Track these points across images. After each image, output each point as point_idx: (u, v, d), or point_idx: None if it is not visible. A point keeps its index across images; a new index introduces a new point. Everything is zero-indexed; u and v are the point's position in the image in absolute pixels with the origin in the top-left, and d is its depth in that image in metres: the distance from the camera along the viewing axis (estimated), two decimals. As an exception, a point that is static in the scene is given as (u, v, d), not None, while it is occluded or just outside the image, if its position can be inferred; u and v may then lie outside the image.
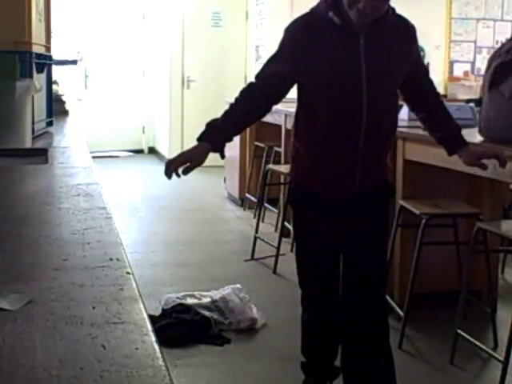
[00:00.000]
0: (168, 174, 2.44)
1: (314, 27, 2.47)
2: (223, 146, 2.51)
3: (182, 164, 2.45)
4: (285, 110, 5.25)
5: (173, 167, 2.44)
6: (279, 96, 2.57)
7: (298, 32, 2.49)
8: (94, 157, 2.61)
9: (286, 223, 5.15)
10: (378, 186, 2.63)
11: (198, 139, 2.51)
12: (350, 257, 2.67)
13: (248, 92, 2.57)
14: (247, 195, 6.48)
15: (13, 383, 0.78)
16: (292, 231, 5.22)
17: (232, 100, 2.59)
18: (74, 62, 5.77)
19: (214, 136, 2.49)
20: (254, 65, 9.05)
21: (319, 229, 2.64)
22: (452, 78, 8.61)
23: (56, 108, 3.58)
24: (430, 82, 2.75)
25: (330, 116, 2.48)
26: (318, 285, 2.74)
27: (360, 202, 2.57)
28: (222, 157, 2.55)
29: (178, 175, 2.46)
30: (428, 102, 2.73)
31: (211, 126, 2.51)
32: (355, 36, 2.42)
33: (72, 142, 3.00)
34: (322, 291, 2.74)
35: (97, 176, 2.09)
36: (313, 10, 2.51)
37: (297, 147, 2.64)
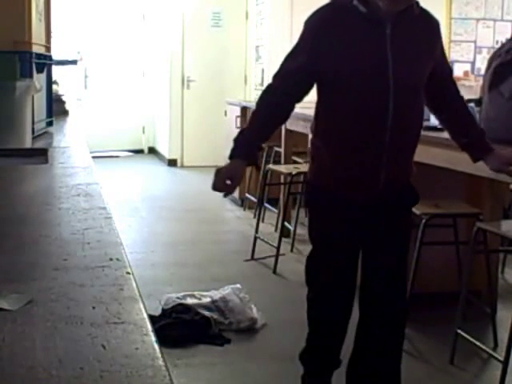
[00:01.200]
0: (225, 193, 2.43)
1: (336, 17, 2.36)
2: (256, 157, 2.47)
3: (225, 181, 2.41)
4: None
5: (220, 187, 2.42)
6: (301, 93, 2.46)
7: (320, 22, 2.38)
8: (94, 157, 2.61)
9: (286, 223, 5.15)
10: (403, 189, 2.52)
11: (230, 157, 2.45)
12: (369, 259, 2.57)
13: (268, 95, 2.47)
14: (247, 195, 6.47)
15: (13, 383, 0.78)
16: (292, 232, 5.24)
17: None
18: (74, 62, 5.77)
19: (245, 150, 2.43)
20: (254, 65, 9.05)
21: (338, 230, 2.53)
22: (452, 78, 8.60)
23: (56, 108, 3.58)
24: (454, 83, 2.63)
25: (355, 111, 2.37)
26: (333, 286, 2.63)
27: (383, 204, 2.47)
28: (258, 168, 2.53)
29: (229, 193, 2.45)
30: (452, 105, 2.61)
31: (239, 140, 2.44)
32: (381, 25, 2.32)
33: (72, 142, 3.00)
34: (337, 293, 2.63)
35: (97, 176, 2.09)
36: (336, 0, 2.42)
37: (317, 146, 2.53)
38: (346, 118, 2.39)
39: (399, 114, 2.34)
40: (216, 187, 2.41)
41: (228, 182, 2.41)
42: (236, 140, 2.45)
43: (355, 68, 2.33)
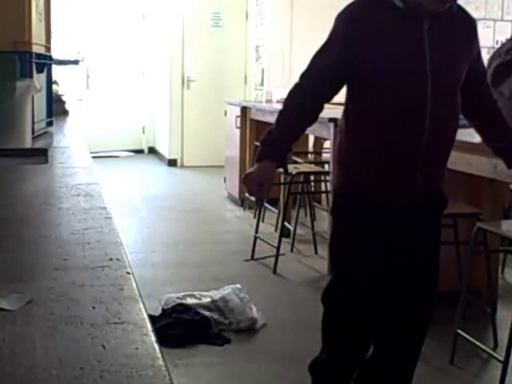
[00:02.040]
0: (257, 199, 2.38)
1: (370, 11, 2.25)
2: (285, 159, 2.37)
3: (257, 185, 2.30)
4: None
5: (254, 192, 2.33)
6: (332, 93, 2.34)
7: (352, 17, 2.26)
8: (94, 157, 2.61)
9: (286, 223, 5.15)
10: (436, 194, 2.42)
11: (258, 159, 2.32)
12: (399, 273, 2.43)
13: (296, 95, 2.34)
14: (247, 195, 6.48)
15: (13, 383, 0.78)
16: (292, 232, 5.24)
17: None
18: (76, 62, 5.77)
19: (273, 152, 2.31)
20: (254, 65, 9.06)
21: (368, 240, 2.38)
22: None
23: (56, 108, 3.58)
24: (488, 87, 2.53)
25: (392, 111, 2.25)
26: (361, 316, 2.46)
27: (417, 209, 2.36)
28: (286, 171, 2.43)
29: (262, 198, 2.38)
30: (486, 111, 2.51)
31: (267, 142, 2.33)
32: (418, 21, 2.21)
33: (72, 142, 3.00)
34: (363, 319, 2.47)
35: (97, 176, 2.09)
36: None
37: (347, 149, 2.39)
38: (382, 119, 2.27)
39: (437, 115, 2.23)
40: (250, 192, 2.34)
41: (258, 186, 2.29)
42: (263, 142, 2.33)
43: (391, 65, 2.22)
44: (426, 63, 2.21)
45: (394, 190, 2.33)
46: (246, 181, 2.33)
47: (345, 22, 2.27)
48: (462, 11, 2.35)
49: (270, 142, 2.32)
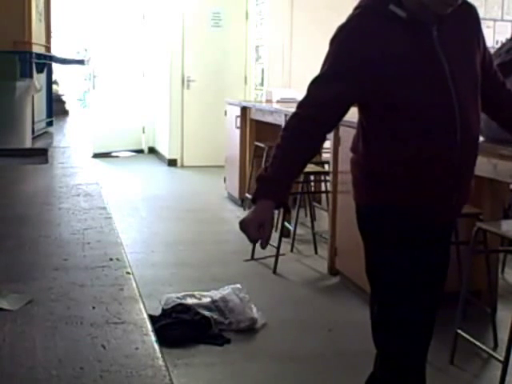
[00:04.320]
0: (261, 244, 2.03)
1: (373, 25, 2.04)
2: (286, 197, 2.12)
3: (258, 229, 2.02)
4: (285, 109, 5.25)
5: (256, 237, 2.04)
6: (337, 122, 2.16)
7: (355, 36, 2.04)
8: (94, 156, 2.61)
9: (286, 223, 5.15)
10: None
11: (254, 199, 2.06)
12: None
13: (296, 125, 2.10)
14: (247, 195, 6.47)
15: (13, 383, 0.78)
16: (292, 232, 5.24)
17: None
18: (82, 62, 5.78)
19: (272, 192, 2.05)
20: (254, 65, 9.06)
21: (419, 264, 2.16)
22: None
23: (56, 108, 3.58)
24: (496, 70, 2.36)
25: (421, 126, 2.06)
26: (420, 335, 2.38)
27: (449, 227, 2.25)
28: (288, 211, 2.20)
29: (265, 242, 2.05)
30: (497, 93, 2.35)
31: (266, 180, 2.06)
32: (426, 29, 2.04)
33: (72, 142, 3.00)
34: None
35: (97, 176, 2.09)
36: (366, 6, 2.07)
37: (377, 169, 2.15)
38: (414, 136, 2.07)
39: (466, 123, 2.07)
40: (252, 239, 2.06)
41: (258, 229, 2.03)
42: (259, 179, 2.06)
43: (411, 80, 2.04)
44: (445, 71, 2.06)
45: (433, 210, 2.17)
46: (243, 227, 2.04)
47: (347, 42, 2.06)
48: (464, 2, 2.19)
49: (268, 180, 2.06)
